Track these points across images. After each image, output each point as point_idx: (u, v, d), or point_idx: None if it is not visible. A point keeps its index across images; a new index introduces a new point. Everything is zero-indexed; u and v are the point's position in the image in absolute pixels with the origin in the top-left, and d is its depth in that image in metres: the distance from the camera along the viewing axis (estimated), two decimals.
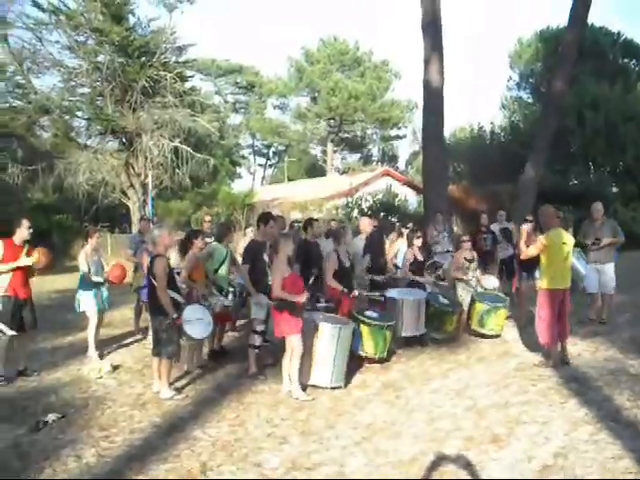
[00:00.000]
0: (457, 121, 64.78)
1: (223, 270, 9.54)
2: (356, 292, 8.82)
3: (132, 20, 28.42)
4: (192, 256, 8.73)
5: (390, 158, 64.55)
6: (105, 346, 10.16)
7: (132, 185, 28.23)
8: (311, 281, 8.70)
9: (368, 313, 8.71)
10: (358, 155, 64.89)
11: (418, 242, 10.63)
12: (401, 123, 56.06)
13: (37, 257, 8.35)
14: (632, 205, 26.82)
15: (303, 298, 7.51)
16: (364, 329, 8.41)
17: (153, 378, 7.94)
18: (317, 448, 6.00)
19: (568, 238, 8.43)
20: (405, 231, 11.97)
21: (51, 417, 6.80)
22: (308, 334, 7.63)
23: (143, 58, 27.38)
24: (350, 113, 51.94)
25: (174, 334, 7.53)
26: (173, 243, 8.42)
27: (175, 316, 7.39)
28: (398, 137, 60.95)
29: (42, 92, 27.25)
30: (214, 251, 9.37)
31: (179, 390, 7.80)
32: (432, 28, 19.60)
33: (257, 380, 8.21)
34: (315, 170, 59.12)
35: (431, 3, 19.36)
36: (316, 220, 11.09)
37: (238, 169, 61.73)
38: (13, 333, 8.23)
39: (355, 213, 28.03)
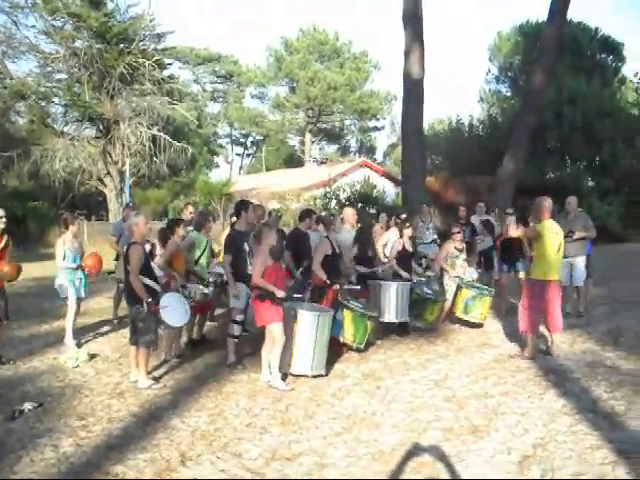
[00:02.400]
0: (435, 113, 65.11)
1: (203, 260, 9.50)
2: (337, 286, 8.76)
3: (110, 6, 28.21)
4: (173, 243, 8.66)
5: (368, 149, 64.71)
6: (82, 334, 10.08)
7: (109, 173, 28.00)
8: (300, 270, 8.71)
9: (353, 302, 8.71)
10: (336, 146, 64.97)
11: (408, 232, 10.59)
12: (380, 114, 56.20)
13: (7, 272, 8.22)
14: (607, 200, 27.08)
15: (282, 294, 7.46)
16: (347, 315, 8.41)
17: (130, 367, 7.88)
18: (297, 438, 5.97)
19: (559, 230, 8.49)
20: (399, 222, 11.97)
21: (27, 406, 6.70)
22: (288, 323, 7.60)
23: (121, 45, 27.14)
24: (329, 104, 51.93)
25: (152, 323, 7.47)
26: (149, 231, 8.32)
27: (150, 300, 7.31)
28: (376, 128, 61.21)
29: (18, 77, 26.90)
30: (194, 240, 9.31)
31: (157, 379, 7.74)
32: (413, 20, 19.70)
33: (236, 369, 8.16)
34: (293, 160, 59.10)
35: None
36: (315, 212, 11.03)
37: (216, 158, 61.54)
38: None
39: (333, 204, 28.00)
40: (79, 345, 9.46)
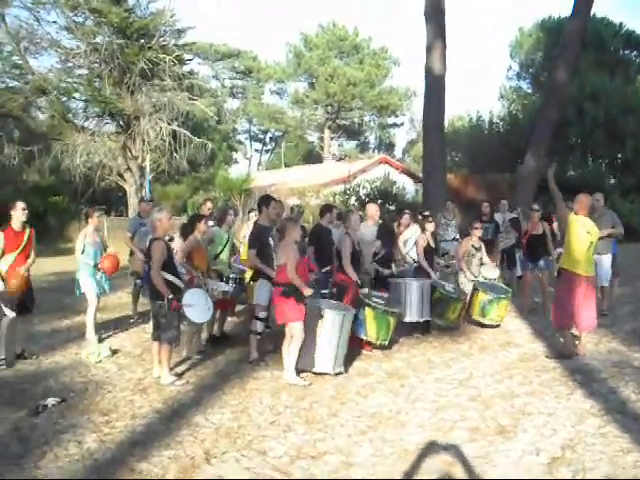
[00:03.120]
0: (455, 110, 64.53)
1: (224, 255, 9.46)
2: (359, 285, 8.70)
3: (131, 1, 28.19)
4: (193, 239, 8.62)
5: (387, 146, 64.35)
6: (103, 330, 10.07)
7: (129, 168, 28.04)
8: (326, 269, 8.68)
9: (375, 298, 8.63)
10: (355, 142, 64.67)
11: (430, 227, 10.49)
12: (399, 111, 55.77)
13: (13, 283, 8.15)
14: (630, 197, 26.79)
15: (309, 292, 7.41)
16: (369, 313, 8.33)
17: (153, 363, 7.85)
18: (322, 437, 5.91)
19: (593, 229, 8.32)
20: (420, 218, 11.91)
21: (51, 401, 6.69)
22: (310, 321, 7.53)
23: (142, 40, 27.10)
24: (348, 100, 51.62)
25: (174, 319, 7.42)
26: (173, 227, 8.28)
27: (171, 297, 7.26)
28: (395, 125, 60.78)
29: (39, 73, 26.98)
30: (215, 236, 9.28)
31: (179, 376, 7.69)
32: (435, 15, 19.56)
33: (258, 366, 8.11)
34: (312, 156, 58.84)
35: None
36: (335, 207, 10.98)
37: (234, 154, 61.49)
38: (14, 315, 8.12)
39: (353, 200, 27.94)
40: (100, 340, 9.45)
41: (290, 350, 7.49)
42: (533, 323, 10.60)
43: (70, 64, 27.74)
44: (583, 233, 8.24)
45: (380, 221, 10.58)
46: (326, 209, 10.12)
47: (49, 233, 23.98)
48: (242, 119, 63.23)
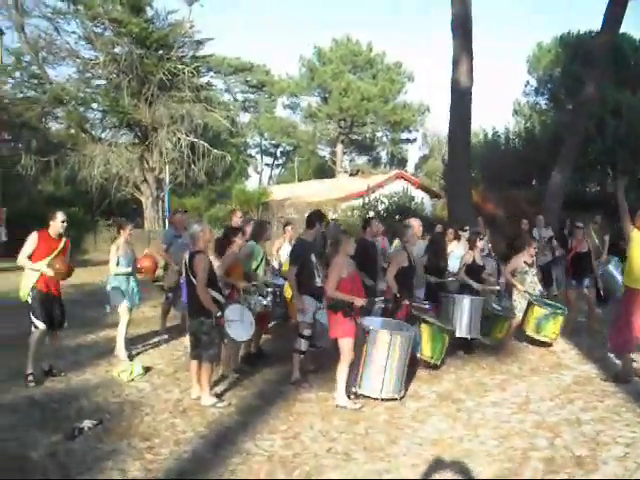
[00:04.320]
0: None
1: (260, 270, 9.03)
2: (406, 301, 8.23)
3: (150, 12, 27.93)
4: (231, 254, 8.17)
5: (399, 161, 63.90)
6: (132, 346, 9.57)
7: (146, 180, 27.71)
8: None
9: (426, 316, 8.19)
10: (367, 157, 64.27)
11: (480, 245, 10.09)
12: (412, 126, 55.54)
13: (58, 268, 7.78)
14: None
15: (361, 302, 6.96)
16: (425, 330, 7.92)
17: (190, 383, 7.41)
18: (386, 467, 5.44)
19: None
20: (463, 234, 11.48)
21: (87, 424, 6.23)
22: (361, 339, 7.08)
23: (161, 51, 26.87)
24: (361, 115, 51.32)
25: (216, 336, 6.98)
26: (212, 240, 7.83)
27: (219, 314, 6.85)
28: (408, 140, 60.36)
29: (57, 83, 26.72)
30: (252, 250, 8.84)
31: (219, 396, 7.23)
32: (463, 28, 19.26)
33: (302, 388, 7.65)
34: (324, 171, 58.47)
35: (462, 4, 18.97)
36: (372, 218, 10.67)
37: (247, 168, 61.17)
38: (45, 327, 7.70)
39: (371, 214, 27.48)
40: (130, 357, 8.99)
41: (340, 369, 7.03)
42: (579, 344, 10.13)
43: (88, 74, 27.55)
44: None
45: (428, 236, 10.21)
46: (367, 222, 9.78)
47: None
48: (254, 133, 62.95)
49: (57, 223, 7.87)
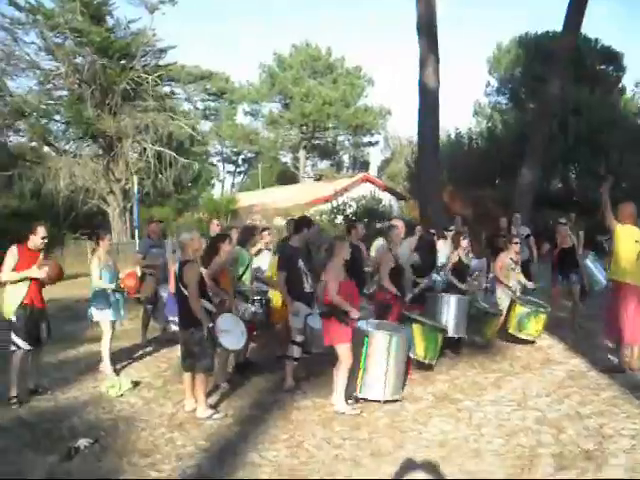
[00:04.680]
0: None
1: (246, 276, 8.90)
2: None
3: (111, 21, 27.59)
4: (219, 261, 7.99)
5: (362, 164, 64.03)
6: (116, 360, 9.25)
7: (112, 191, 27.29)
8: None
9: (416, 316, 8.13)
10: (329, 162, 64.30)
11: (464, 244, 10.10)
12: (374, 129, 55.79)
13: (47, 271, 7.53)
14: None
15: (357, 314, 6.85)
16: (416, 330, 7.84)
17: (182, 395, 7.28)
18: (395, 470, 5.35)
19: None
20: (448, 234, 11.47)
21: (82, 442, 6.00)
22: (358, 343, 6.98)
23: (123, 60, 26.51)
24: (323, 119, 51.38)
25: (208, 346, 6.82)
26: (201, 248, 7.64)
27: (211, 325, 6.70)
28: (370, 144, 60.69)
29: (18, 95, 26.16)
30: (238, 256, 8.70)
31: (214, 408, 7.06)
32: (428, 30, 19.33)
33: (296, 395, 7.53)
34: (286, 177, 58.32)
35: (427, 5, 19.06)
36: (356, 221, 10.62)
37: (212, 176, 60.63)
38: (29, 348, 7.46)
39: (339, 219, 27.49)
40: (116, 372, 8.75)
41: (338, 375, 6.93)
42: (564, 338, 10.16)
43: (49, 85, 27.05)
44: (631, 242, 7.93)
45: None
46: (351, 226, 9.75)
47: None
48: (214, 141, 62.53)
49: (37, 239, 7.60)
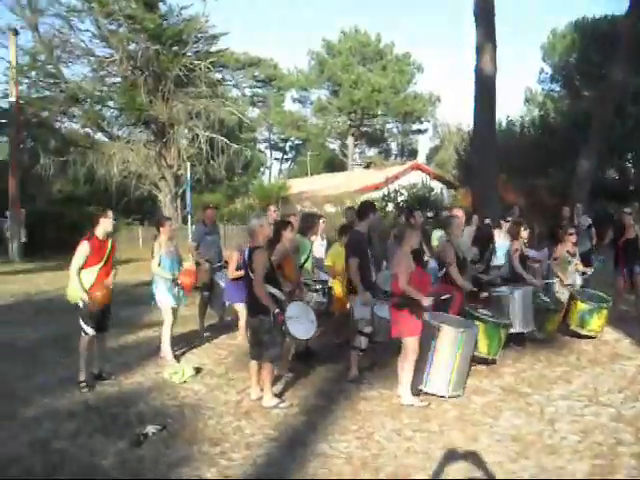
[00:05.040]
0: None
1: (308, 265, 8.81)
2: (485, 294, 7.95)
3: (164, 8, 27.73)
4: (282, 249, 7.89)
5: (410, 152, 63.54)
6: (175, 347, 9.24)
7: (164, 177, 27.48)
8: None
9: (482, 310, 7.93)
10: (377, 149, 63.94)
11: (525, 234, 9.81)
12: (423, 117, 55.28)
13: (98, 296, 7.46)
14: None
15: (428, 301, 6.70)
16: (479, 327, 7.62)
17: (246, 383, 7.26)
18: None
19: None
20: (504, 224, 11.15)
21: (150, 429, 5.99)
22: (425, 336, 6.84)
23: (176, 47, 26.60)
24: (372, 107, 51.11)
25: (277, 335, 6.73)
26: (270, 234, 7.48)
27: (277, 311, 6.59)
28: (419, 131, 60.20)
29: (73, 81, 26.48)
30: (300, 245, 8.60)
31: (280, 397, 7.00)
32: (486, 15, 18.92)
33: (362, 385, 7.43)
34: (334, 164, 58.20)
35: None
36: (414, 209, 10.40)
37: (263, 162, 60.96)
38: (95, 333, 7.49)
39: (391, 207, 27.24)
40: (176, 358, 8.74)
41: (405, 368, 6.80)
42: (631, 333, 9.83)
43: (103, 72, 27.30)
44: None
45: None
46: (410, 213, 9.58)
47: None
48: (262, 128, 62.64)
49: (108, 221, 7.58)
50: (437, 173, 40.68)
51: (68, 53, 26.49)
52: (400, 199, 27.62)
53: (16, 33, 24.37)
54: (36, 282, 18.16)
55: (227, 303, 9.93)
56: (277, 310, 6.57)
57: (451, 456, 5.32)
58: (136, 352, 9.33)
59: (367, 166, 51.55)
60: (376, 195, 28.88)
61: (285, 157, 71.41)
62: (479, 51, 18.79)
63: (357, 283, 7.40)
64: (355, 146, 57.90)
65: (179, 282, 8.62)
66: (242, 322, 9.29)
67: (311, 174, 52.84)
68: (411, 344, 6.74)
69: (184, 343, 9.71)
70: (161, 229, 8.76)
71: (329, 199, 28.94)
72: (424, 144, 67.68)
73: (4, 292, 15.65)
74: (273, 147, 69.72)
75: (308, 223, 8.94)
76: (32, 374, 8.11)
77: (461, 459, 5.28)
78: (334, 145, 61.79)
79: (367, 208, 7.86)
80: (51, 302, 14.03)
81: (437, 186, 34.10)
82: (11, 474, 5.18)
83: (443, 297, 7.35)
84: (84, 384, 7.37)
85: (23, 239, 24.44)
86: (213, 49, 28.87)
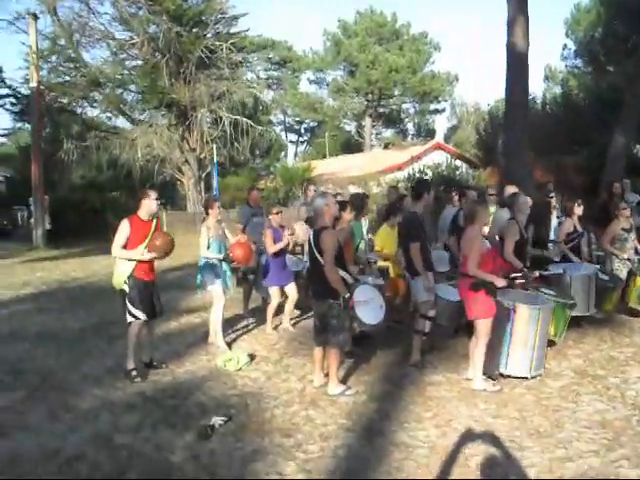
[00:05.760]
0: (498, 93, 62.68)
1: (362, 247, 8.52)
2: (536, 273, 7.58)
3: None
4: (342, 230, 7.55)
5: (427, 132, 62.86)
6: (222, 332, 9.00)
7: (187, 161, 27.18)
8: None
9: (544, 290, 7.58)
10: (393, 130, 63.32)
11: (579, 211, 9.42)
12: (441, 97, 54.58)
13: (159, 245, 7.22)
14: None
15: (502, 282, 6.38)
16: None
17: (304, 370, 7.11)
18: (565, 454, 4.92)
19: None
20: (552, 201, 10.75)
21: (217, 421, 5.70)
22: (500, 317, 6.52)
23: (197, 28, 26.20)
24: (389, 87, 50.45)
25: (346, 320, 6.41)
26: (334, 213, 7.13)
27: (347, 295, 6.29)
28: (437, 111, 59.43)
29: (93, 65, 26.20)
30: (354, 228, 8.30)
31: (344, 383, 6.72)
32: None
33: (426, 369, 7.14)
34: (350, 145, 57.64)
35: None
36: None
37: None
38: (145, 318, 7.21)
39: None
40: (227, 345, 8.46)
41: (477, 351, 6.49)
42: None
43: (124, 56, 26.95)
44: None
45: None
46: (462, 193, 9.34)
47: (108, 230, 23.27)
48: (276, 110, 62.16)
49: (151, 201, 7.30)
50: (459, 152, 40.09)
51: (88, 37, 26.18)
52: (425, 179, 27.17)
53: (35, 18, 24.04)
54: (63, 269, 17.95)
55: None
56: (347, 295, 6.27)
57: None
58: (182, 339, 9.08)
59: (386, 146, 50.99)
60: (400, 175, 28.49)
61: (300, 139, 70.96)
62: (510, 24, 18.28)
63: (419, 267, 7.09)
64: (373, 127, 57.27)
65: (232, 257, 8.35)
66: (273, 305, 9.16)
67: (329, 155, 52.30)
68: (485, 326, 6.43)
69: (230, 328, 9.42)
70: (210, 211, 8.46)
71: (352, 180, 28.51)
72: (441, 124, 67.05)
73: (35, 280, 15.45)
74: (288, 129, 69.26)
75: (358, 204, 8.63)
76: (79, 363, 7.87)
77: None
78: (350, 127, 61.21)
79: (422, 188, 7.52)
80: (84, 290, 13.86)
81: (462, 165, 33.61)
82: (78, 471, 4.92)
83: (513, 276, 7.01)
84: (135, 372, 7.11)
85: (47, 226, 24.27)
86: (233, 30, 28.44)
